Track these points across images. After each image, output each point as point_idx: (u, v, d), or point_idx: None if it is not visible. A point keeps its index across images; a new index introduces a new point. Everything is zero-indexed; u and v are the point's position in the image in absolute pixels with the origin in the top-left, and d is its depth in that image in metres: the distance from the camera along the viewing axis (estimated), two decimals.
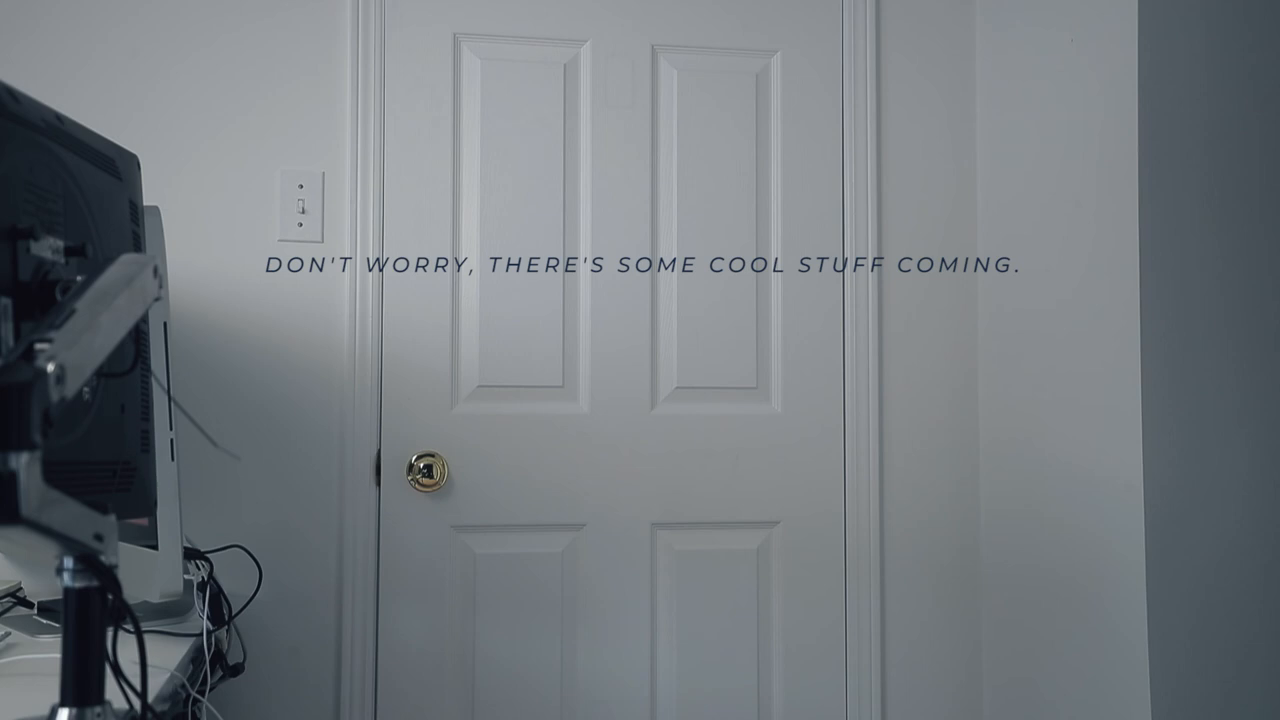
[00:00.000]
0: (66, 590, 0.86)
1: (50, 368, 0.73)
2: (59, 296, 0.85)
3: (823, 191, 2.42)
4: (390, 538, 2.24)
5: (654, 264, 2.36)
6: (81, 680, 0.85)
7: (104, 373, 0.93)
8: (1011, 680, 2.33)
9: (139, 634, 0.90)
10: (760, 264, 2.40)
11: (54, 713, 0.85)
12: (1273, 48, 2.04)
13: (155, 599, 1.36)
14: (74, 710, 0.85)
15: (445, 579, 2.26)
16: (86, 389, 0.89)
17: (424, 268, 2.27)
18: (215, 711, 1.82)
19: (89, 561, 0.85)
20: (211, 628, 1.63)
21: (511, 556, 2.28)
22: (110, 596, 0.86)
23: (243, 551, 2.18)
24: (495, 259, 2.30)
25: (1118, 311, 2.00)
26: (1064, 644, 2.14)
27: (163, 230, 1.38)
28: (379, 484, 2.25)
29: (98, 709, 0.85)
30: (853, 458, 2.40)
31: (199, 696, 1.54)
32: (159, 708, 1.32)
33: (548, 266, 2.32)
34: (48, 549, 0.81)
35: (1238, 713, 1.95)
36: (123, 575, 1.39)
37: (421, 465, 2.24)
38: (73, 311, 0.80)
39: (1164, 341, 1.95)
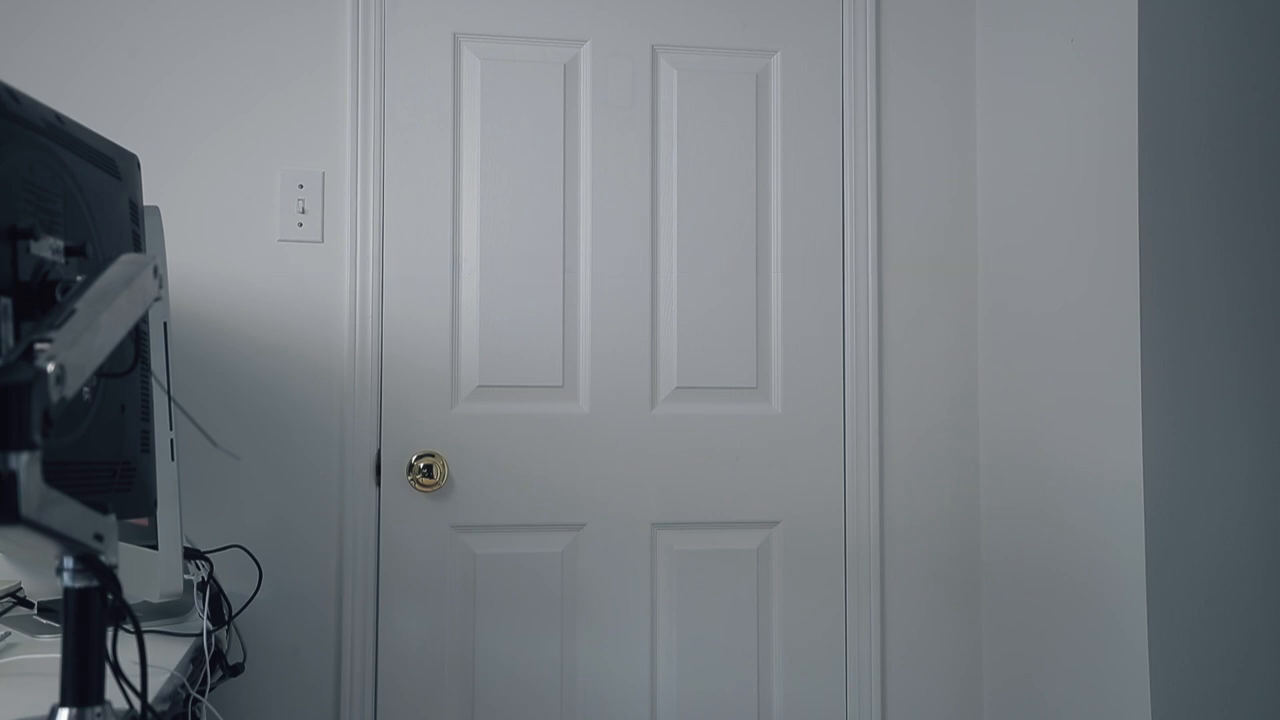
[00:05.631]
0: (66, 590, 0.85)
1: (50, 368, 0.73)
2: (59, 296, 0.85)
3: (823, 191, 2.42)
4: (390, 538, 2.24)
5: (654, 264, 2.36)
6: (81, 680, 0.85)
7: (104, 373, 0.93)
8: (1011, 680, 2.33)
9: (139, 634, 0.90)
10: (760, 264, 2.40)
11: (54, 713, 0.85)
12: (1273, 48, 2.04)
13: (155, 599, 1.36)
14: (74, 710, 0.85)
15: (445, 579, 2.26)
16: (86, 389, 0.89)
17: (424, 268, 2.27)
18: (215, 711, 1.82)
19: (89, 561, 0.85)
20: (211, 628, 1.63)
21: (511, 556, 2.28)
22: (110, 596, 0.86)
23: (243, 551, 2.18)
24: (495, 259, 2.30)
25: (1118, 311, 2.00)
26: (1064, 644, 2.14)
27: (163, 230, 1.38)
28: (379, 484, 2.25)
29: (98, 709, 0.85)
30: (853, 458, 2.40)
31: (199, 696, 1.54)
32: (159, 708, 1.32)
33: (548, 266, 2.32)
34: (48, 549, 0.81)
35: (1238, 713, 1.95)
36: (123, 575, 1.39)
37: (421, 465, 2.24)
38: (73, 311, 0.80)
39: (1164, 341, 1.95)
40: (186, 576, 1.67)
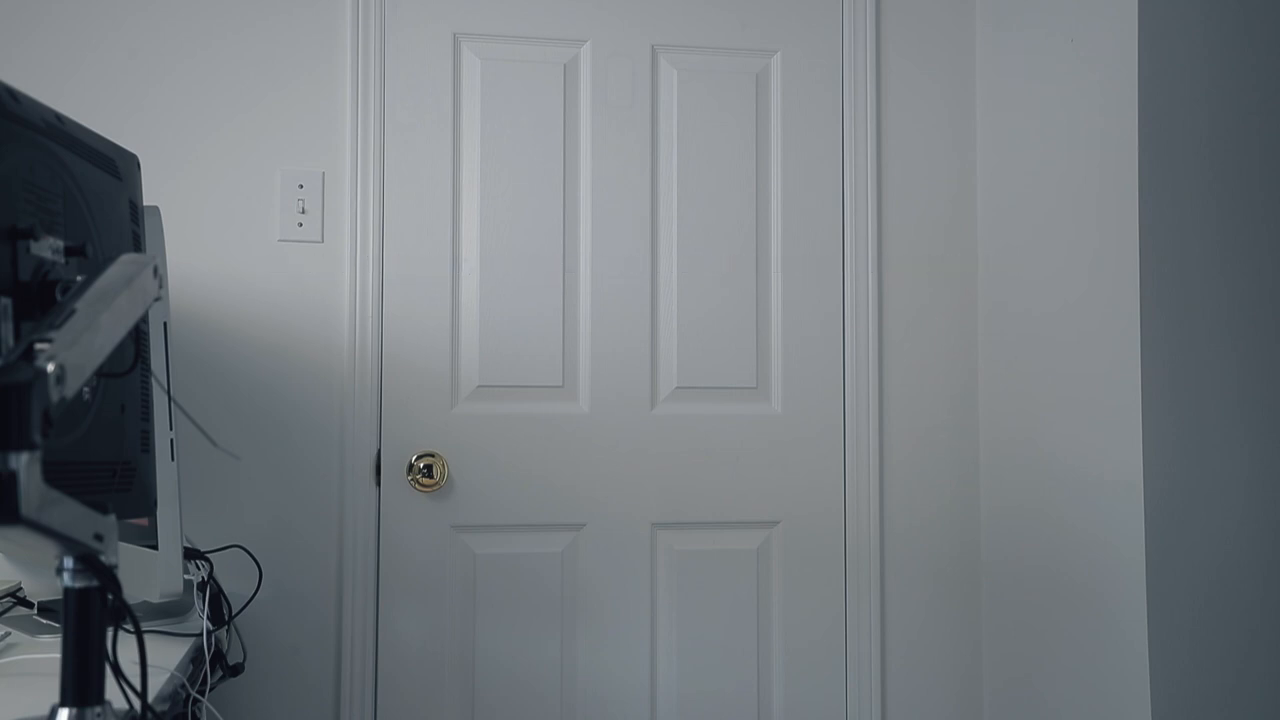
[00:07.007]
0: (66, 590, 0.85)
1: (50, 368, 0.73)
2: (59, 296, 0.85)
3: (823, 191, 2.42)
4: (390, 538, 2.24)
5: (654, 264, 2.36)
6: (81, 680, 0.85)
7: (104, 373, 0.93)
8: (1011, 680, 2.33)
9: (139, 634, 0.90)
10: (760, 264, 2.40)
11: (54, 713, 0.85)
12: (1273, 48, 2.04)
13: (155, 599, 1.36)
14: (74, 710, 0.85)
15: (445, 579, 2.26)
16: (86, 389, 0.89)
17: (424, 268, 2.27)
18: (215, 711, 1.82)
19: (89, 561, 0.85)
20: (211, 628, 1.63)
21: (511, 556, 2.28)
22: (110, 596, 0.86)
23: (243, 551, 2.18)
24: (495, 259, 2.30)
25: (1118, 311, 2.00)
26: (1064, 644, 2.14)
27: (163, 230, 1.38)
28: (379, 484, 2.25)
29: (98, 709, 0.85)
30: (853, 458, 2.40)
31: (199, 696, 1.54)
32: (159, 708, 1.32)
33: (548, 266, 2.32)
34: (48, 549, 0.81)
35: (1238, 713, 1.95)
36: (123, 575, 1.39)
37: (421, 465, 2.24)
38: (73, 311, 0.80)
39: (1164, 341, 1.95)
40: (186, 576, 1.67)
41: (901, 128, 2.47)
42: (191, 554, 1.69)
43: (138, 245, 1.07)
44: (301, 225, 2.25)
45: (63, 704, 0.85)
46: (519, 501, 2.29)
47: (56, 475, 0.83)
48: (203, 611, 1.65)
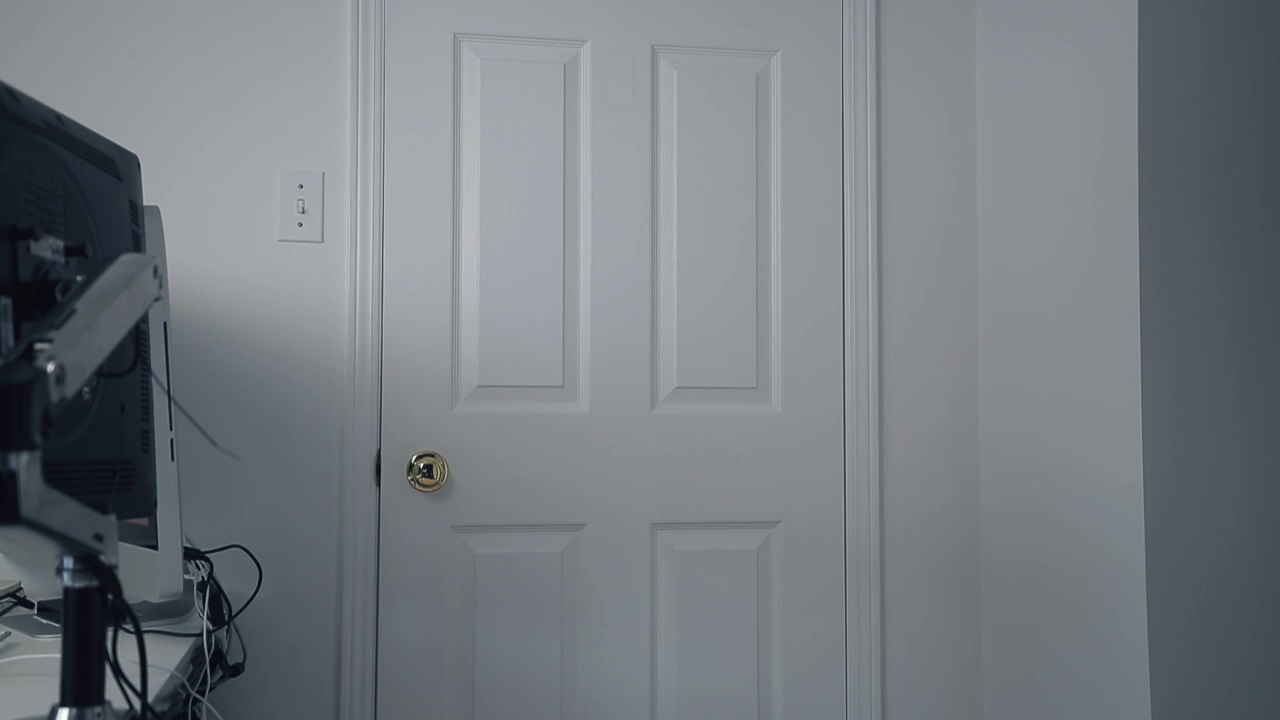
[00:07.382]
0: (66, 590, 0.86)
1: (50, 368, 0.73)
2: (59, 296, 0.85)
3: (823, 191, 2.42)
4: (390, 538, 2.24)
5: (654, 264, 2.36)
6: (81, 680, 0.85)
7: (104, 373, 0.93)
8: (1011, 680, 2.33)
9: (139, 634, 0.90)
10: (760, 264, 2.40)
11: (54, 713, 0.85)
12: (1273, 48, 2.04)
13: (155, 599, 1.36)
14: (74, 710, 0.85)
15: (445, 579, 2.26)
16: (86, 389, 0.89)
17: (424, 267, 2.27)
18: (215, 711, 1.82)
19: (89, 561, 0.85)
20: (211, 628, 1.63)
21: (511, 556, 2.28)
22: (110, 596, 0.86)
23: (243, 551, 2.18)
24: (495, 259, 2.30)
25: (1118, 311, 2.00)
26: (1064, 644, 2.14)
27: (163, 230, 1.38)
28: (379, 484, 2.25)
29: (98, 709, 0.85)
30: (853, 458, 2.40)
31: (199, 696, 1.54)
32: (159, 708, 1.32)
33: (548, 266, 2.32)
34: (48, 549, 0.81)
35: (1238, 713, 1.95)
36: (123, 575, 1.39)
37: (421, 465, 2.24)
38: (73, 311, 0.80)
39: (1164, 341, 1.95)
40: (186, 576, 1.68)
41: (901, 128, 2.47)
42: (191, 554, 1.69)
43: (138, 245, 1.07)
44: (301, 225, 2.25)
45: (63, 704, 0.85)
46: (519, 501, 2.29)
47: (56, 475, 0.83)
48: (203, 611, 1.65)
